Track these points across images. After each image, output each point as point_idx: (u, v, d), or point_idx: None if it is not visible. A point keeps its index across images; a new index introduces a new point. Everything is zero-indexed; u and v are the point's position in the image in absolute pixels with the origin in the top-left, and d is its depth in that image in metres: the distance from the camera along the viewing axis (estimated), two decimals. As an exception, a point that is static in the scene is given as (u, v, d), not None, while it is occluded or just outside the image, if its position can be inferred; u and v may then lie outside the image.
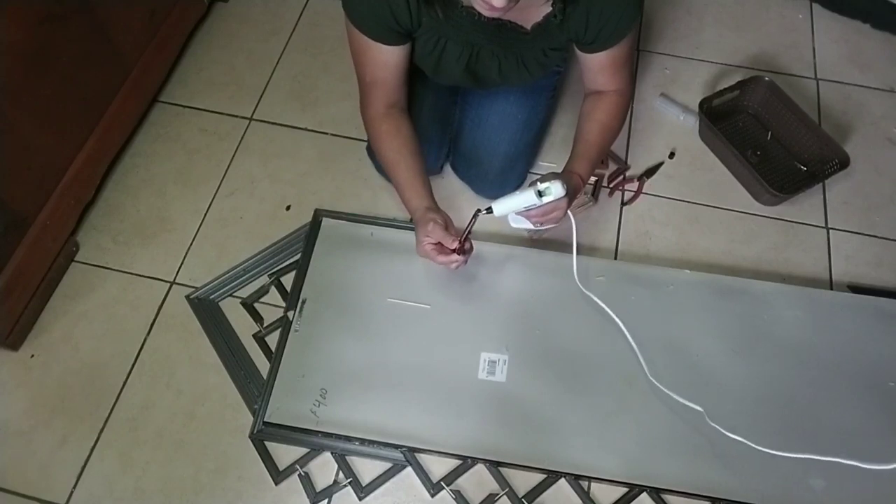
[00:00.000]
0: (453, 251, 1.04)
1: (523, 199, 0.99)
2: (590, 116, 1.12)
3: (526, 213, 1.04)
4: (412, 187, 1.08)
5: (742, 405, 1.11)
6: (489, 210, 1.03)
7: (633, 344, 1.14)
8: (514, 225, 1.12)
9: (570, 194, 1.03)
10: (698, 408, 1.07)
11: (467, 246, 1.08)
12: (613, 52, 1.04)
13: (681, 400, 1.10)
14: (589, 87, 1.15)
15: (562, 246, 1.30)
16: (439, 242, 1.04)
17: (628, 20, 0.99)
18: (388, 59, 1.04)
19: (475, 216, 1.04)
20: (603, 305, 1.17)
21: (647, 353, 1.14)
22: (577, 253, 1.26)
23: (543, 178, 0.99)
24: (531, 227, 1.09)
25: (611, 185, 1.38)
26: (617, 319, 1.15)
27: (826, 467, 1.05)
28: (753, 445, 1.05)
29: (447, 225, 1.05)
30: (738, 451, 1.06)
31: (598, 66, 1.08)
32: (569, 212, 1.07)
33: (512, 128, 1.26)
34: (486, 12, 0.85)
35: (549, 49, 1.07)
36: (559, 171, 1.34)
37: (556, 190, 0.97)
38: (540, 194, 0.97)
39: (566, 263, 1.19)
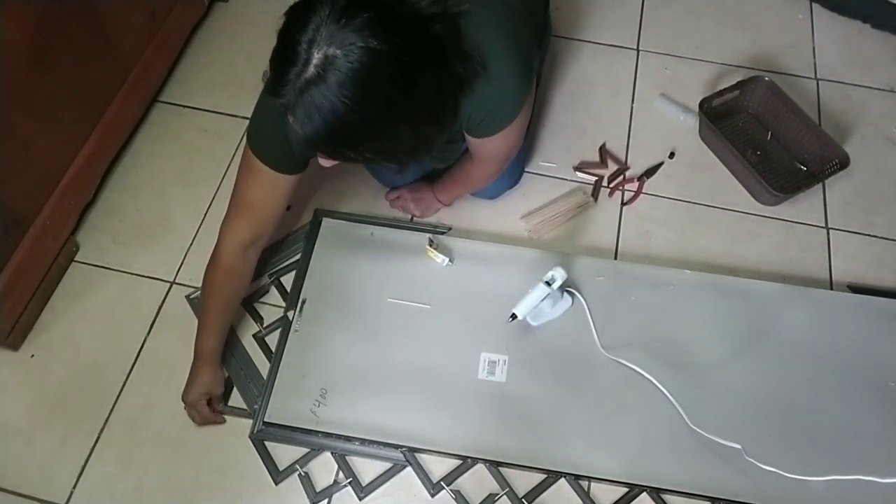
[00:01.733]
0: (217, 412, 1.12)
1: (538, 293, 1.08)
2: (462, 162, 1.19)
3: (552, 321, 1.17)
4: (215, 332, 1.10)
5: (741, 405, 1.11)
6: (513, 316, 1.07)
7: (654, 380, 1.13)
8: (534, 323, 1.18)
9: (426, 196, 1.28)
10: (736, 445, 1.07)
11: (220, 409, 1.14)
12: (484, 142, 1.02)
13: (676, 406, 1.10)
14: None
15: (562, 246, 1.30)
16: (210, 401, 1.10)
17: (503, 118, 0.96)
18: (277, 183, 0.99)
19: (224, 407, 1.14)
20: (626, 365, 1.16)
21: (647, 354, 1.14)
22: (577, 254, 1.27)
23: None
24: (552, 318, 1.18)
25: (611, 185, 1.38)
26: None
27: (827, 466, 1.05)
28: (748, 458, 1.06)
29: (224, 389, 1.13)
30: (737, 452, 1.06)
31: (476, 147, 1.07)
32: (580, 296, 1.16)
33: None
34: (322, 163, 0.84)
35: (449, 142, 1.07)
36: (557, 168, 1.32)
37: (559, 274, 1.08)
38: (548, 283, 1.08)
39: (566, 264, 1.19)
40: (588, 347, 1.15)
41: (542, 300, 1.09)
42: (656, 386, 1.11)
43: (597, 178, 1.38)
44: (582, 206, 1.34)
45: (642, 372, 1.12)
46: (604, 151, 1.43)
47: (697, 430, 1.07)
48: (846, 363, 1.15)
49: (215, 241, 1.29)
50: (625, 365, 1.13)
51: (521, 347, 1.16)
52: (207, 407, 1.09)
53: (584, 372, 1.14)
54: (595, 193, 1.36)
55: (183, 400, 1.10)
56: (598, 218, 1.35)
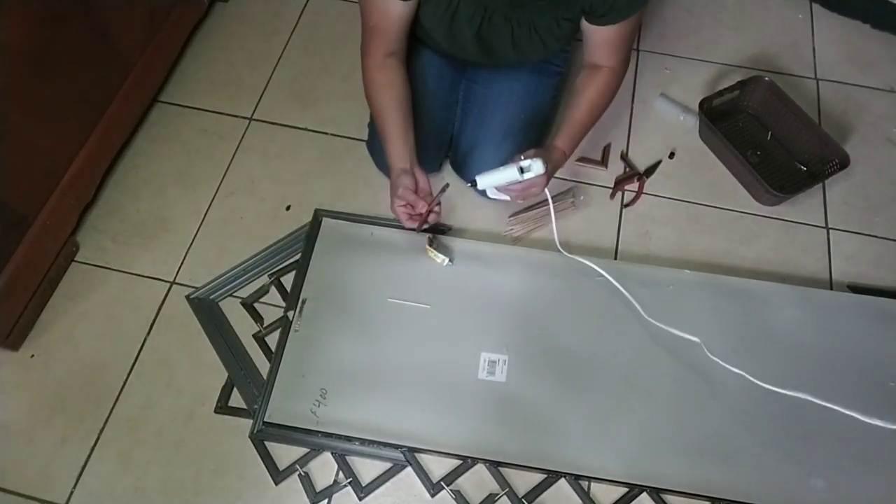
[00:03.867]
0: (420, 214, 1.13)
1: (506, 174, 1.06)
2: (580, 94, 1.17)
3: (506, 188, 1.11)
4: (394, 144, 1.13)
5: (741, 406, 1.11)
6: (473, 183, 1.08)
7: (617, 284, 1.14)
8: (492, 197, 1.16)
9: (550, 170, 1.11)
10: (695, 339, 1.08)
11: (436, 209, 1.15)
12: (620, 28, 1.06)
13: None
14: (587, 59, 1.17)
15: (562, 246, 1.30)
16: (409, 204, 1.12)
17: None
18: (392, 10, 1.07)
19: (443, 189, 1.14)
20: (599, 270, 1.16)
21: (647, 354, 1.14)
22: (577, 254, 1.27)
23: (526, 156, 1.06)
24: (508, 199, 1.17)
25: (614, 187, 1.38)
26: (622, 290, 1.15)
27: (827, 466, 1.05)
28: (749, 377, 1.05)
29: (418, 187, 1.12)
30: (738, 445, 1.06)
31: (602, 40, 1.09)
32: (548, 196, 1.15)
33: (516, 128, 1.27)
34: None
35: (562, 19, 1.08)
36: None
37: (536, 167, 1.05)
38: (522, 171, 1.05)
39: (566, 263, 1.19)
40: (588, 348, 1.15)
41: (508, 184, 1.08)
42: (656, 386, 1.11)
43: (596, 164, 1.39)
44: (564, 210, 1.33)
45: (642, 371, 1.12)
46: (607, 152, 1.43)
47: (697, 430, 1.07)
48: (846, 363, 1.15)
49: (216, 241, 1.31)
50: (624, 364, 1.13)
51: (521, 347, 1.16)
52: (409, 218, 1.13)
53: (584, 372, 1.14)
54: (616, 195, 1.36)
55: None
56: (598, 218, 1.35)
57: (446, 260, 1.22)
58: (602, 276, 1.22)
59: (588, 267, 1.23)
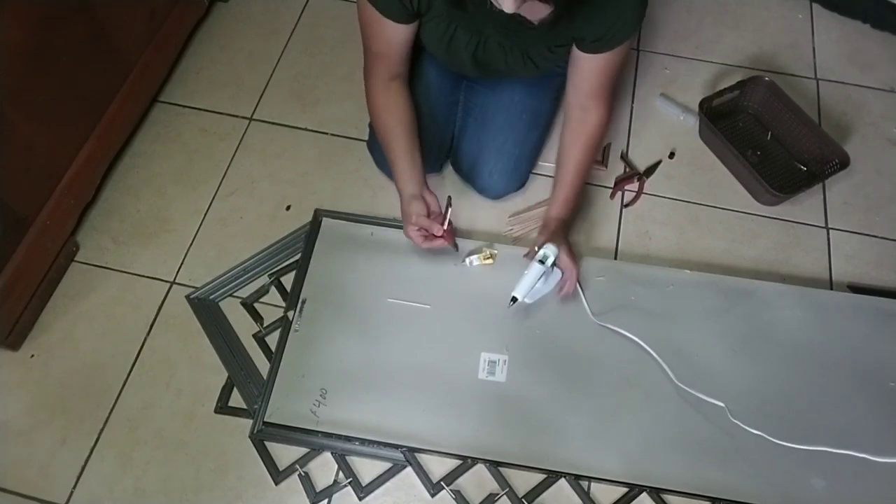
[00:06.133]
0: (436, 237, 1.14)
1: (533, 272, 1.10)
2: (568, 155, 1.18)
3: (560, 294, 1.17)
4: (401, 169, 1.14)
5: (740, 406, 1.11)
6: (514, 300, 1.10)
7: (646, 346, 1.14)
8: (529, 301, 1.18)
9: (565, 244, 1.14)
10: (720, 403, 1.09)
11: (449, 229, 1.16)
12: (608, 58, 1.05)
13: (702, 397, 1.10)
14: (571, 98, 1.16)
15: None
16: (424, 228, 1.13)
17: (633, 23, 1.01)
18: (393, 34, 1.07)
19: (448, 203, 1.16)
20: (621, 330, 1.17)
21: (647, 355, 1.14)
22: (576, 253, 1.27)
23: (539, 246, 1.12)
24: (545, 293, 1.19)
25: (614, 187, 1.38)
26: (632, 336, 1.16)
27: (828, 466, 1.05)
28: (769, 438, 1.06)
29: (429, 210, 1.14)
30: (739, 449, 1.06)
31: (588, 69, 1.09)
32: (578, 287, 1.18)
33: (518, 128, 1.27)
34: (505, 8, 0.86)
35: (554, 46, 1.09)
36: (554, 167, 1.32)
37: (551, 251, 1.11)
38: (542, 262, 1.11)
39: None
40: (588, 347, 1.15)
41: (538, 279, 1.10)
42: (657, 386, 1.11)
43: (596, 164, 1.38)
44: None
45: (643, 373, 1.12)
46: (607, 152, 1.43)
47: (697, 429, 1.07)
48: (846, 363, 1.15)
49: (216, 241, 1.31)
50: (625, 365, 1.13)
51: (521, 347, 1.16)
52: (425, 240, 1.14)
53: (584, 372, 1.14)
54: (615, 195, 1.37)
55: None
56: (598, 218, 1.35)
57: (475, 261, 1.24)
58: (601, 277, 1.22)
59: (588, 267, 1.23)
